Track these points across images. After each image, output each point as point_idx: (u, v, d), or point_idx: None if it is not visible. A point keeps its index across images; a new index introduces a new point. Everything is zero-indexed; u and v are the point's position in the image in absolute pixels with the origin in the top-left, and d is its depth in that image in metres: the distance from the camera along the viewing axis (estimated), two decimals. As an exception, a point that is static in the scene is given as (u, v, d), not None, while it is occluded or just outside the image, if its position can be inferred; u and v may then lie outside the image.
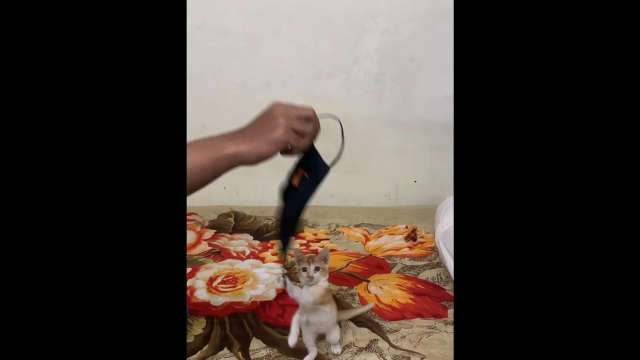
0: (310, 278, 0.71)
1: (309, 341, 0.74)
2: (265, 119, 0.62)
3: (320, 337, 0.76)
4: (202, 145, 0.59)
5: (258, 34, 1.34)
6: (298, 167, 0.68)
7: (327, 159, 0.68)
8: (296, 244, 1.14)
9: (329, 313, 0.72)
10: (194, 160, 0.56)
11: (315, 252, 1.10)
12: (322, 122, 0.67)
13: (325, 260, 0.73)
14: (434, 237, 1.11)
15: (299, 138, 0.63)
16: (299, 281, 0.73)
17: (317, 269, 0.71)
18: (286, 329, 0.81)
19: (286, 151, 0.64)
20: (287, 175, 0.69)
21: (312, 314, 0.72)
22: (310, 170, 0.67)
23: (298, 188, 0.67)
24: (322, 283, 0.72)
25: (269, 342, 0.79)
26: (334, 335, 0.74)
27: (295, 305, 0.87)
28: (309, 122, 0.64)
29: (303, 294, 0.71)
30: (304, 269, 0.71)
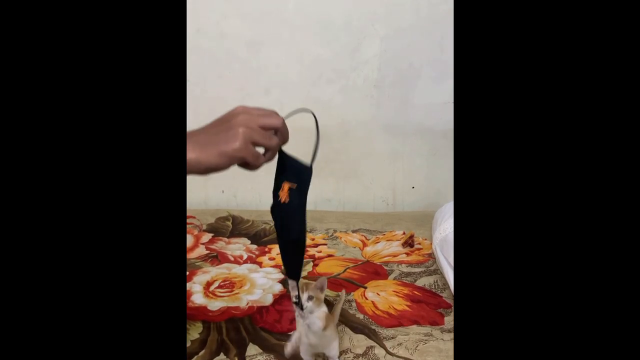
0: (301, 308, 0.66)
1: (307, 357, 0.73)
2: (224, 126, 0.55)
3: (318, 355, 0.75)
4: None
5: (258, 39, 1.34)
6: (280, 182, 0.61)
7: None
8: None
9: (329, 336, 0.71)
10: None
11: (312, 256, 1.10)
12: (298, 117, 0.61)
13: (321, 289, 0.68)
14: (431, 244, 1.11)
15: (258, 155, 0.56)
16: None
17: (310, 297, 0.66)
18: (283, 334, 0.82)
19: (243, 165, 0.57)
20: (273, 193, 0.62)
21: (316, 339, 0.70)
22: (294, 178, 0.60)
23: (290, 203, 0.60)
24: (323, 309, 0.69)
25: (265, 347, 0.79)
26: (333, 350, 0.73)
27: (291, 312, 0.87)
28: (275, 134, 0.57)
29: (313, 321, 0.68)
30: (297, 297, 0.66)
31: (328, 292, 0.93)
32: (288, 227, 0.63)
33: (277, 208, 0.62)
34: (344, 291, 0.87)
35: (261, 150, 0.58)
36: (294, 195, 0.61)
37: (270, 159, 0.59)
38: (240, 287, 0.97)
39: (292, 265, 0.65)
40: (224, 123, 0.56)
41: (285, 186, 0.60)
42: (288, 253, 0.65)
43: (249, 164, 0.56)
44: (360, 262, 1.08)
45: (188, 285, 0.98)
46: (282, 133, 0.58)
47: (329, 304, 0.80)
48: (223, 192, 1.50)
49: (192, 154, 0.52)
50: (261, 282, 0.99)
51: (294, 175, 0.61)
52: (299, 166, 0.62)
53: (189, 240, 1.19)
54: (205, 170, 0.54)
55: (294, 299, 0.67)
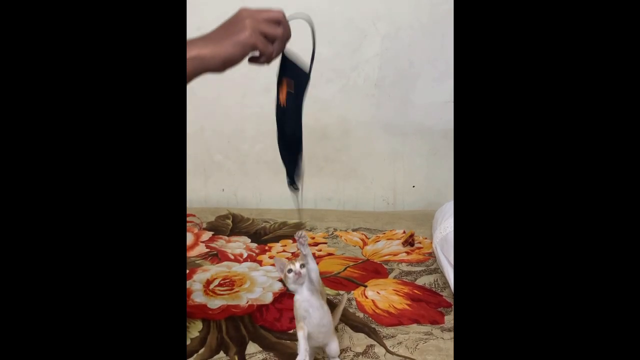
0: (299, 274, 0.68)
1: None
2: (231, 23, 0.59)
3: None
4: None
5: (259, 37, 1.34)
6: (281, 79, 0.66)
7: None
8: (294, 248, 1.14)
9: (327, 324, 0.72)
10: None
11: (312, 254, 1.10)
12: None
13: (303, 244, 0.69)
14: (431, 243, 1.11)
15: (267, 42, 0.60)
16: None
17: (302, 265, 0.69)
18: (283, 333, 0.82)
19: (255, 59, 0.62)
20: (276, 95, 0.66)
21: (319, 331, 0.71)
22: (293, 81, 0.65)
23: (287, 105, 0.65)
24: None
25: (265, 346, 0.79)
26: (334, 348, 0.73)
27: (291, 310, 0.87)
28: (279, 26, 0.61)
29: (322, 314, 0.69)
30: (290, 271, 0.69)
31: (329, 291, 0.94)
32: (284, 126, 0.67)
33: (277, 111, 0.67)
34: (345, 294, 0.87)
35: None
36: (291, 98, 0.66)
37: (278, 50, 0.62)
38: (240, 285, 0.97)
39: (290, 162, 0.69)
40: (232, 21, 0.60)
41: (284, 89, 0.65)
42: (285, 149, 0.69)
43: (260, 53, 0.60)
44: (360, 261, 1.08)
45: (188, 283, 0.98)
46: (284, 25, 0.62)
47: (331, 304, 0.81)
48: (223, 190, 1.50)
49: (207, 50, 0.56)
50: (261, 280, 0.99)
51: (294, 79, 0.66)
52: (299, 71, 0.66)
53: (189, 238, 1.19)
54: (223, 62, 0.57)
55: (288, 274, 0.69)
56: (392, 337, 0.81)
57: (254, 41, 0.58)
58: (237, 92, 1.38)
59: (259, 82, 1.38)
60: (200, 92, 1.37)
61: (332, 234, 1.23)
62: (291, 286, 0.70)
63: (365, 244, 1.18)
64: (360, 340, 0.80)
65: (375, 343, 0.79)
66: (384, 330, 0.82)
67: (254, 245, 1.16)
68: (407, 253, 1.12)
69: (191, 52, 0.55)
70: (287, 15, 0.63)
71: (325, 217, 1.32)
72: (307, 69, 0.66)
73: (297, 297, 0.70)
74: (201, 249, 1.14)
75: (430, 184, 1.48)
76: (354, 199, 1.50)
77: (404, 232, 1.22)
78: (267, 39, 0.60)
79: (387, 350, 0.77)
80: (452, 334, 0.81)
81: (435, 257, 1.05)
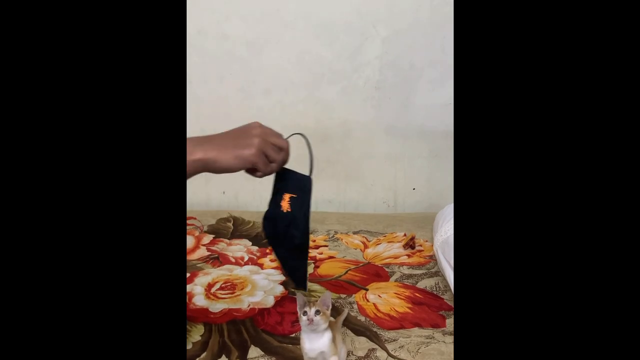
0: (311, 321, 0.67)
1: None
2: (241, 134, 0.63)
3: None
4: None
5: (259, 40, 1.34)
6: (281, 192, 0.68)
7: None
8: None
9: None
10: None
11: (314, 258, 1.10)
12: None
13: (326, 305, 0.70)
14: (432, 246, 1.11)
15: (267, 163, 0.64)
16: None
17: (317, 312, 0.68)
18: (285, 337, 0.82)
19: (251, 171, 0.65)
20: (271, 204, 0.68)
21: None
22: (294, 188, 0.67)
23: (292, 211, 0.66)
24: (327, 333, 0.70)
25: (267, 350, 0.78)
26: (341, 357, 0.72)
27: (292, 313, 0.87)
28: (281, 152, 0.66)
29: (321, 341, 0.69)
30: (305, 313, 0.68)
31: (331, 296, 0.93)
32: (292, 234, 0.67)
33: (275, 220, 0.67)
34: (346, 310, 0.87)
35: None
36: (295, 204, 0.66)
37: (274, 170, 0.67)
38: (242, 288, 0.97)
39: (296, 270, 0.69)
40: (242, 132, 0.64)
41: (287, 196, 0.66)
42: (291, 259, 0.69)
43: (257, 170, 0.65)
44: (361, 264, 1.08)
45: (189, 287, 0.98)
46: (285, 152, 0.67)
47: (334, 309, 0.80)
48: (224, 193, 1.50)
49: (212, 154, 0.60)
50: (262, 283, 0.99)
51: (295, 186, 0.67)
52: (300, 177, 0.68)
53: (190, 241, 1.19)
54: (220, 169, 0.61)
55: (302, 316, 0.69)
56: (394, 340, 0.81)
57: (256, 160, 0.62)
58: (237, 94, 1.38)
59: (259, 85, 1.38)
60: (201, 94, 1.37)
61: (333, 236, 1.23)
62: (303, 328, 0.70)
63: (366, 246, 1.18)
64: (362, 344, 0.80)
65: (376, 347, 0.79)
66: (385, 334, 0.82)
67: (255, 248, 1.16)
68: (408, 256, 1.12)
69: (196, 155, 0.60)
70: (285, 135, 0.68)
71: (325, 220, 1.32)
72: (306, 174, 0.68)
73: (303, 338, 0.70)
74: (202, 252, 1.14)
75: (431, 187, 1.48)
76: (355, 201, 1.50)
77: (405, 235, 1.22)
78: (267, 160, 0.64)
79: (389, 354, 0.77)
80: (453, 338, 0.81)
81: (436, 260, 1.05)
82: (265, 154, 0.63)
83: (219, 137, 0.63)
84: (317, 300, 0.70)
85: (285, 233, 0.67)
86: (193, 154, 0.59)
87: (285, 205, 0.66)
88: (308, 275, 0.69)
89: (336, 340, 0.72)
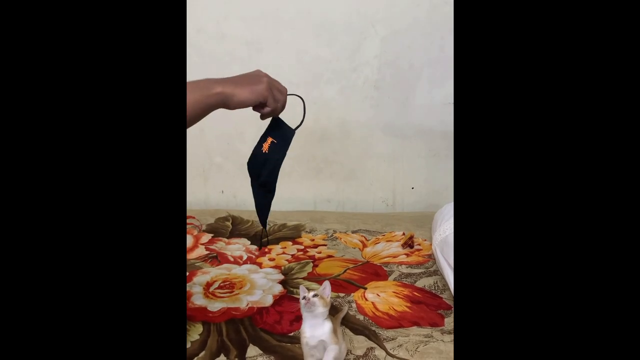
0: (307, 300, 0.72)
1: None
2: (250, 76, 0.70)
3: None
4: (195, 85, 0.65)
5: (258, 40, 1.34)
6: (266, 135, 0.75)
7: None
8: (293, 250, 1.14)
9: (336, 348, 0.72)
10: (189, 97, 0.62)
11: (312, 257, 1.10)
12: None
13: (326, 293, 0.75)
14: (431, 245, 1.11)
15: (275, 100, 0.71)
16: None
17: (315, 295, 0.73)
18: (283, 335, 0.82)
19: (258, 108, 0.71)
20: (256, 146, 0.75)
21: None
22: (278, 136, 0.75)
23: (268, 153, 0.74)
24: (328, 323, 0.73)
25: (265, 348, 0.79)
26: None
27: (291, 312, 0.88)
28: (282, 95, 0.73)
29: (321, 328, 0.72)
30: (304, 298, 0.73)
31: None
32: (260, 173, 0.75)
33: (255, 157, 0.75)
34: (345, 308, 0.87)
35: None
36: (274, 149, 0.74)
37: (279, 109, 0.73)
38: (240, 287, 0.97)
39: (261, 208, 0.79)
40: (252, 75, 0.71)
41: (269, 140, 0.75)
42: (258, 196, 0.78)
43: (265, 106, 0.71)
44: (360, 263, 1.08)
45: (188, 286, 0.98)
46: (285, 96, 0.74)
47: (333, 308, 0.80)
48: (223, 192, 1.50)
49: (229, 88, 0.66)
50: (261, 282, 0.99)
51: (280, 134, 0.75)
52: (287, 128, 0.76)
53: (189, 240, 1.19)
54: (237, 102, 0.67)
55: (302, 300, 0.73)
56: (393, 339, 0.81)
57: (267, 94, 0.69)
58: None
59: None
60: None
61: (332, 235, 1.23)
62: (303, 313, 0.73)
63: (364, 245, 1.18)
64: (361, 343, 0.80)
65: (375, 346, 0.79)
66: (384, 333, 0.82)
67: (254, 247, 1.16)
68: (407, 255, 1.12)
69: (216, 89, 0.65)
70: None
71: (324, 219, 1.32)
72: (292, 128, 0.76)
73: (304, 328, 0.72)
74: (201, 251, 1.14)
75: (430, 186, 1.48)
76: (354, 200, 1.50)
77: (404, 234, 1.22)
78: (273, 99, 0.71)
79: (388, 353, 0.77)
80: (452, 337, 0.81)
81: (434, 259, 1.05)
82: (272, 93, 0.70)
83: (233, 77, 0.69)
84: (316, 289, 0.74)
85: (259, 170, 0.75)
86: (213, 89, 0.65)
87: (265, 146, 0.74)
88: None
89: (337, 333, 0.73)
